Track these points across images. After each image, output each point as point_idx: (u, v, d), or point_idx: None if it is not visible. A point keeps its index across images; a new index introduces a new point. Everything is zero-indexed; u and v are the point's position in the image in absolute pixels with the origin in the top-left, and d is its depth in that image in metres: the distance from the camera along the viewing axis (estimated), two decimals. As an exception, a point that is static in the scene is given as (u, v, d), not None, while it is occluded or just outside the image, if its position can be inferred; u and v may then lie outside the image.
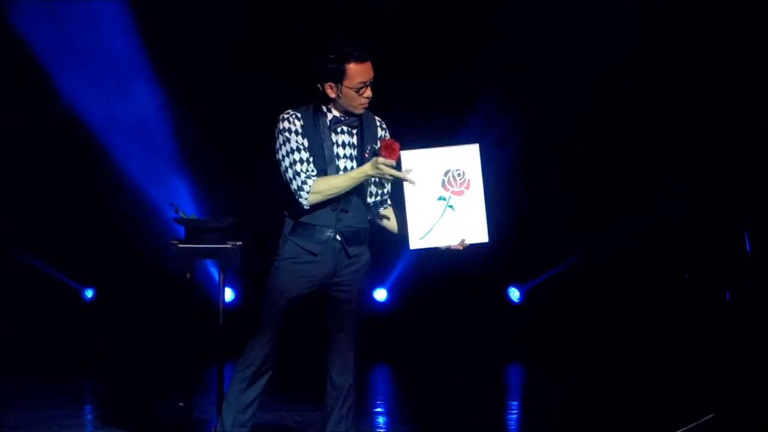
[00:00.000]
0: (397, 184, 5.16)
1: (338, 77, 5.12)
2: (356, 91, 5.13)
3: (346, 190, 5.16)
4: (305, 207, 5.16)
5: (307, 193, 5.14)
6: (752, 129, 9.71)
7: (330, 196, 5.16)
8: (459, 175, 5.12)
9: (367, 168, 5.12)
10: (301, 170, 5.15)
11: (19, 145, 9.98)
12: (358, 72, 5.12)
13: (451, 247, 5.17)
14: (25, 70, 9.91)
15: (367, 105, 5.21)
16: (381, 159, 5.06)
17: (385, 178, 5.15)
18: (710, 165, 9.82)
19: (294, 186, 5.15)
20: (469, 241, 5.16)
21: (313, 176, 5.15)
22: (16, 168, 10.00)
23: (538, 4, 9.87)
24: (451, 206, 5.13)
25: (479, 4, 10.00)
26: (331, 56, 5.12)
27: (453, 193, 5.13)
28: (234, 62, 9.98)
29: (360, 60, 5.12)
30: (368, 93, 5.17)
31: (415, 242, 5.14)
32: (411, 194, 5.10)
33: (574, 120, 10.08)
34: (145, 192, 10.14)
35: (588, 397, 8.44)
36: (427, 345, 10.37)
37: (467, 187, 5.12)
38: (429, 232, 5.14)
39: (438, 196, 5.12)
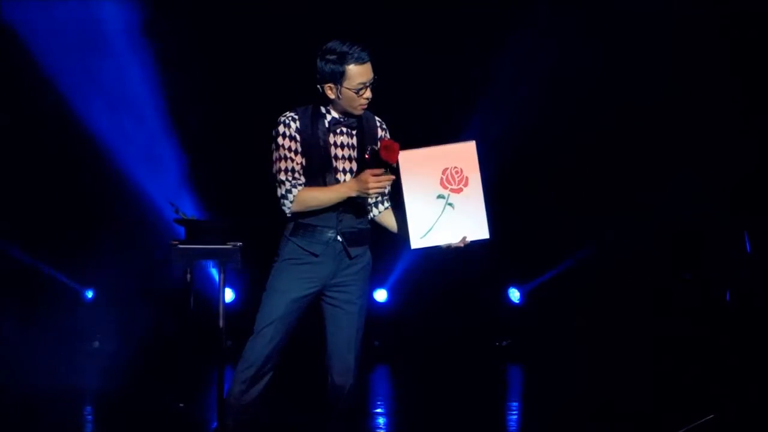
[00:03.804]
0: (396, 184, 5.16)
1: (338, 78, 5.11)
2: (356, 92, 5.12)
3: (329, 204, 5.16)
4: (287, 215, 5.17)
5: (291, 202, 5.15)
6: (753, 128, 9.70)
7: (311, 209, 5.17)
8: (457, 172, 5.13)
9: (352, 186, 5.11)
10: (287, 179, 5.15)
11: (18, 145, 9.96)
12: (358, 73, 5.11)
13: (452, 245, 5.17)
14: (25, 70, 9.89)
15: (366, 106, 5.21)
16: (369, 175, 5.04)
17: (368, 194, 5.12)
18: (710, 165, 9.82)
19: (278, 193, 5.17)
20: (470, 239, 5.16)
21: (300, 185, 5.15)
22: (16, 168, 9.99)
23: (539, 5, 9.87)
24: (450, 204, 5.13)
25: (480, 4, 10.01)
26: (331, 57, 5.11)
27: (452, 191, 5.13)
28: (235, 61, 9.98)
29: (360, 61, 5.11)
30: (368, 94, 5.16)
31: (417, 242, 5.14)
32: (410, 193, 5.10)
33: (574, 120, 10.08)
34: (145, 192, 10.13)
35: (588, 397, 8.43)
36: (427, 346, 10.37)
37: (466, 185, 5.13)
38: (429, 230, 5.14)
39: (437, 195, 5.12)
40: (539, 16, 9.86)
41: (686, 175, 9.87)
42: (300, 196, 5.15)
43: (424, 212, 5.11)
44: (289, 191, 5.15)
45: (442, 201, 5.12)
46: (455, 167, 5.12)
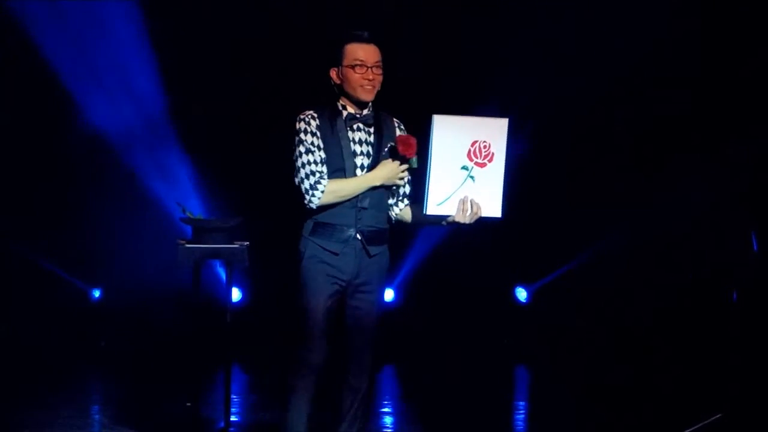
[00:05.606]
0: (424, 156, 5.14)
1: (339, 59, 5.20)
2: (352, 68, 5.15)
3: (357, 194, 5.17)
4: (313, 207, 5.17)
5: (321, 192, 5.14)
6: (761, 126, 9.68)
7: (338, 200, 5.17)
8: (485, 147, 5.14)
9: (377, 174, 5.14)
10: (315, 170, 5.15)
11: (25, 145, 9.97)
12: (355, 49, 5.18)
13: (463, 220, 5.15)
14: (30, 68, 9.89)
15: (369, 88, 5.21)
16: (392, 163, 5.10)
17: (395, 183, 5.20)
18: (718, 163, 9.80)
19: (306, 185, 5.15)
20: (482, 214, 5.17)
21: (326, 177, 5.16)
22: (22, 168, 9.99)
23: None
24: (472, 177, 5.15)
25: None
26: (334, 41, 5.21)
27: (476, 164, 5.15)
28: (242, 60, 9.98)
29: (358, 39, 5.20)
30: (369, 75, 5.18)
31: (432, 208, 5.16)
32: (437, 158, 5.11)
33: (582, 119, 10.07)
34: (152, 192, 10.14)
35: (595, 398, 8.42)
36: (434, 345, 10.37)
37: (491, 160, 5.15)
38: (447, 199, 5.16)
39: (462, 165, 5.13)
40: (558, 10, 9.86)
41: (694, 174, 9.85)
42: (330, 187, 5.15)
43: (446, 180, 5.12)
44: (318, 182, 5.14)
45: (465, 172, 5.14)
46: (484, 141, 5.13)
